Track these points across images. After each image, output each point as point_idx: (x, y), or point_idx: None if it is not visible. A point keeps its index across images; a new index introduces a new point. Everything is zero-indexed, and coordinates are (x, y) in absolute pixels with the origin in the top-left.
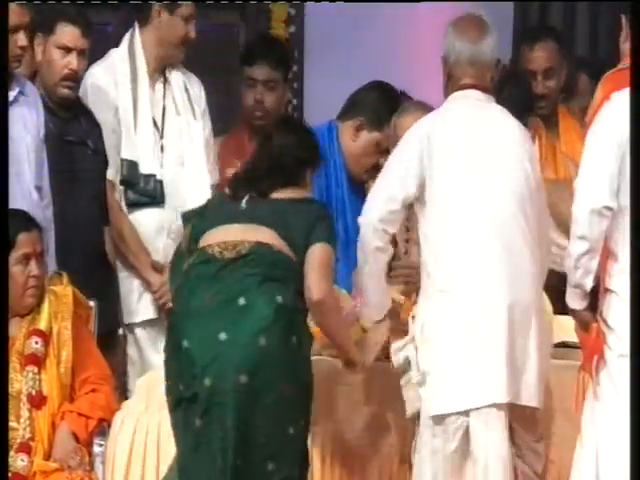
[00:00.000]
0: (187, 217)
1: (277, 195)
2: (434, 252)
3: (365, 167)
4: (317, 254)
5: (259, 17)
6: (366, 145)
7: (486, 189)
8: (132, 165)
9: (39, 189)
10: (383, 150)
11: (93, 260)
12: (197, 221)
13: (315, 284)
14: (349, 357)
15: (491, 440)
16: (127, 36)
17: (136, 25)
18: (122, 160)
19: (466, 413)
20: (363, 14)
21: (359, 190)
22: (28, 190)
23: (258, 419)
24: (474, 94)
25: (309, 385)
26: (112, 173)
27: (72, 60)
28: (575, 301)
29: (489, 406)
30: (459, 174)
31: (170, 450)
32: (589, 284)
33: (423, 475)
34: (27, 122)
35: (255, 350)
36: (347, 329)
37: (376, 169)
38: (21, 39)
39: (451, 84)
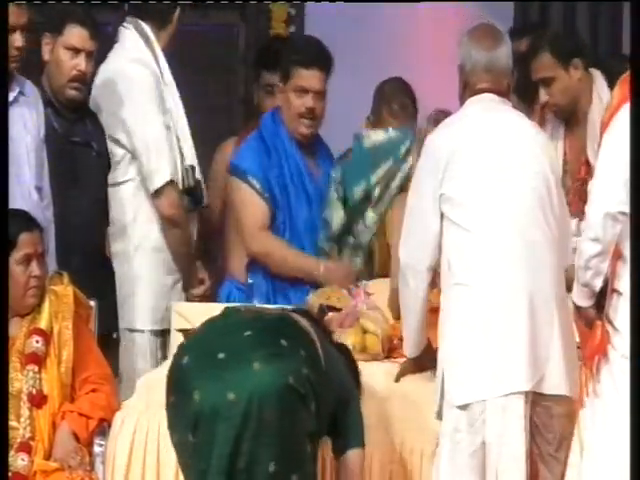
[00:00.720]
0: None
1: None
2: (457, 246)
3: (295, 115)
4: (358, 464)
5: (259, 17)
6: (285, 100)
7: (505, 188)
8: (192, 171)
9: (39, 189)
10: (304, 92)
11: (93, 260)
12: None
13: None
14: None
15: (508, 428)
16: (135, 36)
17: (144, 25)
18: (189, 167)
19: (489, 402)
20: (363, 14)
21: (309, 154)
22: (28, 190)
23: (242, 444)
24: (488, 97)
25: (297, 426)
26: (170, 173)
27: (80, 62)
28: (582, 299)
29: (511, 394)
30: (479, 176)
31: (171, 450)
32: (598, 284)
33: (444, 474)
34: (27, 122)
35: (247, 370)
36: None
37: (310, 113)
38: (18, 40)
39: (467, 92)
